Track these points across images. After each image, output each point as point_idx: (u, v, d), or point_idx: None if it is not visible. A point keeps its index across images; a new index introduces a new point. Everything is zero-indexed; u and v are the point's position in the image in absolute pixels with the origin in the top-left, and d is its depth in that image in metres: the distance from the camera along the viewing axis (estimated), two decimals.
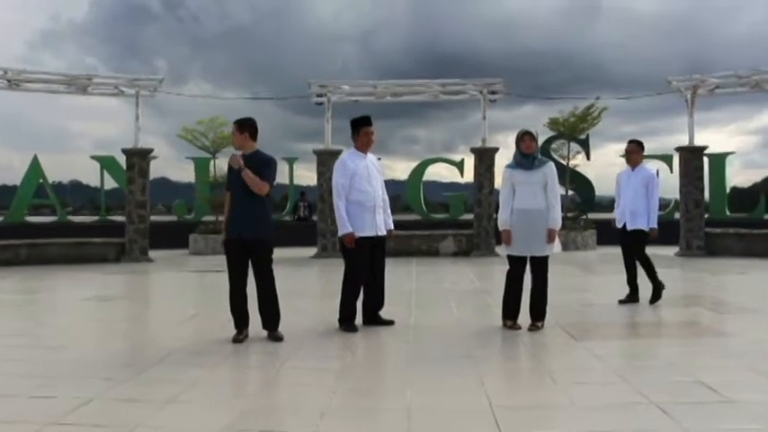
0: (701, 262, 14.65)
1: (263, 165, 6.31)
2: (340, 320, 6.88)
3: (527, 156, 6.68)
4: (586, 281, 11.37)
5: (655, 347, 6.00)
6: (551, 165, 6.79)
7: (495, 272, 11.83)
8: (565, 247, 14.79)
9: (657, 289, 8.31)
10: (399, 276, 11.93)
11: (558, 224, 6.68)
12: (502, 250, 6.96)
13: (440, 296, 9.56)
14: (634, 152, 8.50)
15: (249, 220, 6.25)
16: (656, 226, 8.30)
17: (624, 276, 8.55)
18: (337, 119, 17.05)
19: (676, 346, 5.97)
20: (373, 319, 7.05)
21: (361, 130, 6.99)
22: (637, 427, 3.80)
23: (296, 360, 5.59)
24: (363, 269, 6.89)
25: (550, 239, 6.62)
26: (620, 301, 8.34)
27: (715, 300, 8.88)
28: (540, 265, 6.73)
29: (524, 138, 6.68)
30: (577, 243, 17.86)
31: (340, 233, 6.84)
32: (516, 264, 6.78)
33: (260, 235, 6.29)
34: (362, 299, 7.04)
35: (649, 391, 4.44)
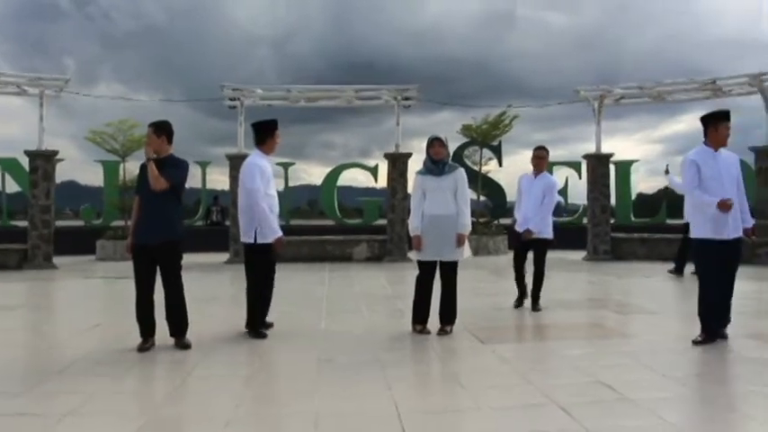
0: (607, 266, 15.14)
1: (171, 166, 6.18)
2: (249, 328, 6.77)
3: (437, 162, 6.75)
4: (497, 285, 11.55)
5: (560, 349, 6.14)
6: (461, 170, 6.87)
7: (407, 277, 11.91)
8: (476, 251, 15.06)
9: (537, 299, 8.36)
10: (312, 282, 11.93)
11: (467, 229, 6.76)
12: (414, 255, 7.01)
13: (351, 301, 9.55)
14: (544, 158, 8.45)
15: (157, 225, 6.09)
16: (534, 229, 8.10)
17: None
18: (250, 123, 16.85)
19: (580, 348, 6.12)
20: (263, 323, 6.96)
21: (274, 132, 6.95)
22: (540, 428, 3.89)
23: (203, 368, 5.49)
24: (268, 274, 6.83)
25: (460, 244, 6.70)
26: (516, 305, 8.48)
27: (620, 302, 9.19)
28: (450, 270, 6.81)
29: (434, 144, 6.75)
30: (489, 248, 18.20)
31: (271, 238, 6.62)
32: (426, 269, 6.84)
33: (168, 239, 6.13)
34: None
35: (553, 391, 4.55)
